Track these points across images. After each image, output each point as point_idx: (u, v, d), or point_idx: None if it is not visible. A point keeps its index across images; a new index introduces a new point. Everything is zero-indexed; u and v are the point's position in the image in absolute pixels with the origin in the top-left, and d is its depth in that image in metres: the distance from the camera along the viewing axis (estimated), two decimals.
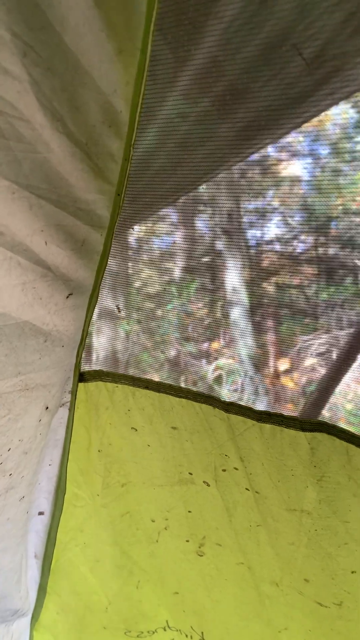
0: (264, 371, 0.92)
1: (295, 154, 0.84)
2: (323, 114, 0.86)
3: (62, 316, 0.83)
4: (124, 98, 0.61)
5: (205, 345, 0.98)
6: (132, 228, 0.96)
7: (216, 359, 0.97)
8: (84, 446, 1.06)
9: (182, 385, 1.01)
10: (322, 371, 0.89)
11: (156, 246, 0.96)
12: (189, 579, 1.10)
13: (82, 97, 0.59)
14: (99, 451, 1.06)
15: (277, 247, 0.87)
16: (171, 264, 0.95)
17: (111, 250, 0.89)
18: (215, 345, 0.97)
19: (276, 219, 0.86)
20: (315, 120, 0.84)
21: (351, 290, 0.82)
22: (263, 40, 0.83)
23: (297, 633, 1.02)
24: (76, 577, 1.19)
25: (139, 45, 0.57)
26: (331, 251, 0.83)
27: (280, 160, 0.86)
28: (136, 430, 1.00)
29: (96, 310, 0.97)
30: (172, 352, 1.01)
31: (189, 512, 1.03)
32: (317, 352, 0.88)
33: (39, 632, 1.24)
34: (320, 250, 0.84)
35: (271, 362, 0.91)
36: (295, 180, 0.83)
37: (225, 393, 0.99)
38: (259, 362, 0.93)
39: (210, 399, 0.89)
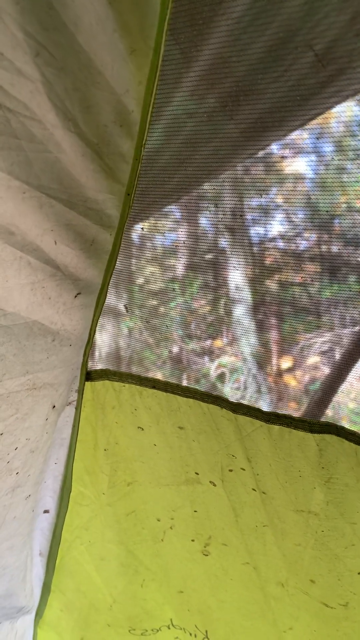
0: (266, 369, 0.92)
1: (299, 151, 0.84)
2: (327, 111, 0.86)
3: (70, 315, 0.83)
4: (136, 98, 0.61)
5: (208, 342, 0.98)
6: (136, 226, 0.95)
7: (219, 356, 0.97)
8: (90, 445, 1.06)
9: (185, 382, 1.01)
10: (325, 369, 0.88)
11: (159, 243, 0.95)
12: (194, 578, 1.10)
13: (94, 97, 0.58)
14: (105, 450, 1.06)
15: (281, 244, 0.87)
16: (174, 261, 0.95)
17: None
18: (218, 342, 0.97)
19: (279, 216, 0.86)
20: (319, 117, 0.84)
21: (354, 288, 0.81)
22: (271, 37, 0.82)
23: (302, 633, 1.02)
24: (81, 575, 1.19)
25: (152, 45, 0.57)
26: (334, 249, 0.83)
27: (284, 157, 0.85)
28: (143, 429, 1.00)
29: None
30: (175, 350, 1.00)
31: (195, 511, 1.03)
32: (320, 350, 0.87)
33: (42, 629, 1.24)
34: (324, 247, 0.84)
35: (274, 360, 0.91)
36: (299, 178, 0.83)
37: (228, 391, 0.99)
38: (261, 360, 0.93)
39: (217, 400, 0.89)
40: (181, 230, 0.95)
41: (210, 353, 0.98)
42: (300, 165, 0.83)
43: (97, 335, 1.03)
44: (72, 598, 1.22)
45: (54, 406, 0.93)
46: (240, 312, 0.93)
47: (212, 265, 0.94)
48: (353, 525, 0.85)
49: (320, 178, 0.82)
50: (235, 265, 0.92)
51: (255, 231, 0.89)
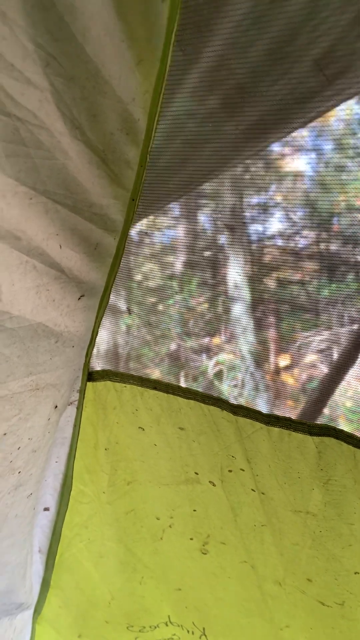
0: (264, 367, 0.93)
1: (298, 150, 0.84)
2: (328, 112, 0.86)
3: (74, 317, 0.84)
4: (142, 106, 0.62)
5: (206, 340, 0.98)
6: (136, 224, 0.96)
7: (217, 354, 0.98)
8: (91, 444, 1.07)
9: (183, 380, 1.02)
10: (323, 368, 0.89)
11: (158, 240, 0.96)
12: (192, 576, 1.12)
13: (101, 106, 0.59)
14: (105, 449, 1.07)
15: (279, 242, 0.87)
16: (173, 258, 0.96)
17: None
18: (216, 340, 0.98)
19: (278, 214, 0.87)
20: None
21: (353, 287, 0.82)
22: (272, 39, 0.83)
23: (298, 631, 1.03)
24: (80, 572, 1.20)
25: (159, 56, 0.58)
26: (333, 247, 0.83)
27: (283, 155, 0.86)
28: (143, 429, 1.01)
29: None
30: (173, 347, 1.01)
31: (194, 510, 1.04)
32: (318, 348, 0.88)
33: (41, 625, 1.25)
34: (322, 246, 0.84)
35: (272, 358, 0.92)
36: (298, 176, 0.83)
37: (226, 388, 1.00)
38: (259, 358, 0.94)
39: (218, 401, 0.90)
40: (180, 227, 0.96)
41: (208, 351, 0.99)
42: (299, 163, 0.84)
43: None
44: (71, 595, 1.23)
45: (56, 406, 0.94)
46: (238, 310, 0.94)
47: (210, 262, 0.95)
48: (350, 526, 0.87)
49: (319, 176, 0.83)
50: (233, 262, 0.93)
51: (254, 229, 0.90)
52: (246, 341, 0.94)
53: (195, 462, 0.98)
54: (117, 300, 1.04)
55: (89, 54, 0.54)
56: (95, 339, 0.96)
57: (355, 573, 0.90)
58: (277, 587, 1.02)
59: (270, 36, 0.82)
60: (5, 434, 0.83)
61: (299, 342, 0.89)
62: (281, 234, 0.87)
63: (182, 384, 1.00)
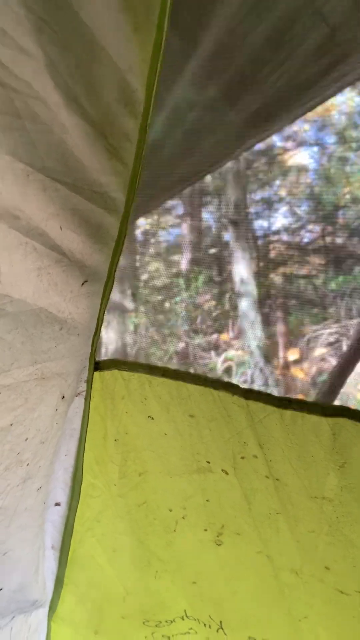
0: (273, 362, 0.92)
1: (301, 143, 0.83)
2: (329, 102, 0.85)
3: (77, 304, 0.82)
4: (140, 76, 0.60)
5: (215, 336, 0.97)
6: (140, 220, 0.95)
7: (225, 350, 0.97)
8: (100, 435, 1.05)
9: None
10: (333, 361, 0.88)
11: (163, 239, 0.95)
12: (207, 568, 1.10)
13: (97, 75, 0.57)
14: (115, 440, 1.05)
15: (285, 237, 0.87)
16: (178, 257, 0.95)
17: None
18: (224, 336, 0.97)
19: (283, 208, 0.86)
20: (320, 108, 0.84)
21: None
22: (271, 25, 0.82)
23: (317, 621, 1.01)
24: (93, 567, 1.19)
25: (156, 21, 0.56)
26: (339, 240, 0.82)
27: (286, 150, 0.85)
28: (153, 418, 1.00)
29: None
30: (181, 345, 1.00)
31: (207, 500, 1.02)
32: (327, 342, 0.87)
33: (56, 623, 1.24)
34: (328, 239, 0.84)
35: (281, 353, 0.91)
36: (301, 170, 0.83)
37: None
38: (268, 353, 0.92)
39: (228, 386, 0.88)
40: (184, 224, 0.95)
41: (217, 347, 0.98)
42: (302, 157, 0.83)
43: (102, 332, 1.03)
44: (85, 591, 1.21)
45: (64, 397, 0.92)
46: (246, 306, 0.93)
47: (216, 259, 0.94)
48: None
49: (323, 169, 0.82)
50: (239, 259, 0.92)
51: (259, 224, 0.89)
52: (255, 337, 0.93)
53: (207, 450, 0.96)
54: (123, 298, 1.03)
55: (83, 20, 0.52)
56: (100, 327, 0.94)
57: None
58: (294, 577, 1.00)
59: (269, 22, 0.81)
60: (11, 425, 0.81)
61: (307, 336, 0.88)
62: (286, 229, 0.87)
63: None
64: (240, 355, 0.95)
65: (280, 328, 0.90)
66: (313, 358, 0.89)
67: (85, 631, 1.24)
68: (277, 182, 0.87)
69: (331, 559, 0.93)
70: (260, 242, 0.90)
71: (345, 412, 0.79)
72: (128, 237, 0.94)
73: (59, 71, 0.54)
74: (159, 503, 1.08)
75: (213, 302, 0.96)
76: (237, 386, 0.88)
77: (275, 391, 0.94)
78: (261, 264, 0.90)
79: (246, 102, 0.87)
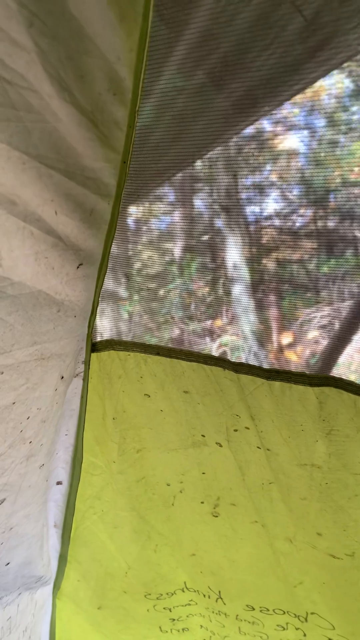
0: (267, 346, 0.94)
1: (291, 128, 0.84)
2: (318, 84, 0.86)
3: (74, 286, 0.85)
4: (128, 65, 0.63)
5: (209, 322, 1.00)
6: (130, 207, 0.96)
7: (220, 336, 0.99)
8: (99, 415, 1.09)
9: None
10: (325, 343, 0.90)
11: (155, 227, 0.97)
12: (205, 540, 1.14)
13: (87, 66, 0.60)
14: (113, 419, 1.09)
15: (276, 222, 0.88)
16: (171, 244, 0.97)
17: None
18: (218, 322, 0.99)
19: (274, 193, 0.87)
20: (310, 91, 0.85)
21: (352, 262, 0.82)
22: (255, 8, 0.83)
23: (312, 586, 1.05)
24: (95, 544, 1.22)
25: (141, 11, 0.59)
26: (330, 224, 0.83)
27: (276, 135, 0.86)
28: (149, 396, 1.03)
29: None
30: (176, 331, 1.02)
31: (203, 474, 1.06)
32: (320, 324, 0.89)
33: (61, 600, 1.27)
34: (320, 223, 0.85)
35: (274, 337, 0.93)
36: (292, 154, 0.83)
37: None
38: (262, 338, 0.95)
39: (220, 361, 0.92)
40: (176, 212, 0.96)
41: (211, 333, 1.00)
42: (292, 141, 0.84)
43: (97, 320, 1.06)
44: (88, 567, 1.25)
45: (62, 377, 0.96)
46: (239, 291, 0.95)
47: (208, 246, 0.96)
48: (356, 476, 0.88)
49: (313, 153, 0.83)
50: (231, 244, 0.93)
51: (251, 210, 0.90)
52: (248, 321, 0.95)
53: (202, 425, 1.00)
54: (117, 286, 1.05)
55: (71, 12, 0.56)
56: (96, 309, 0.97)
57: None
58: (288, 545, 1.04)
59: (254, 5, 0.82)
60: (14, 403, 0.85)
61: (300, 320, 0.90)
62: (278, 214, 0.87)
63: None
64: (235, 340, 0.98)
65: (273, 312, 0.92)
66: (306, 341, 0.91)
67: (89, 607, 1.28)
68: (268, 167, 0.88)
69: (322, 525, 0.97)
70: (252, 227, 0.91)
71: (330, 381, 0.83)
72: (120, 225, 0.96)
73: (51, 62, 0.57)
74: (157, 478, 1.12)
75: (206, 289, 0.98)
76: (227, 360, 0.92)
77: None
78: (253, 249, 0.91)
79: (233, 87, 0.89)
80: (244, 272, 0.93)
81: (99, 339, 1.07)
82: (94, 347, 1.03)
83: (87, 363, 1.02)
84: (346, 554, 0.98)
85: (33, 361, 0.85)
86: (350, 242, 0.82)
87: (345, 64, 0.85)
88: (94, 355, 1.03)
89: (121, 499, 1.17)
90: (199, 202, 0.94)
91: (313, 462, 0.91)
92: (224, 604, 1.19)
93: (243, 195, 0.91)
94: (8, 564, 1.04)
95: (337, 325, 0.88)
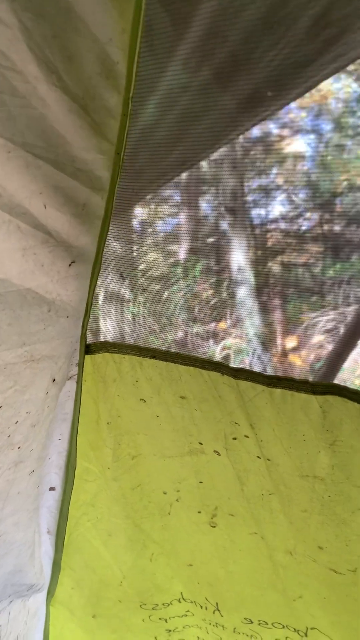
0: (271, 350, 0.92)
1: (298, 131, 0.83)
2: (325, 88, 0.84)
3: (66, 285, 0.81)
4: (121, 47, 0.59)
5: (213, 325, 0.97)
6: (135, 209, 0.94)
7: (223, 338, 0.97)
8: (93, 419, 1.05)
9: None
10: (330, 348, 0.88)
11: (160, 228, 0.95)
12: (202, 550, 1.10)
13: (76, 46, 0.56)
14: (108, 424, 1.05)
15: (282, 225, 0.86)
16: (176, 246, 0.95)
17: (115, 234, 0.87)
18: (222, 325, 0.96)
19: (280, 196, 0.86)
20: (317, 95, 0.83)
21: (358, 266, 0.81)
22: (263, 3, 0.80)
23: (312, 601, 1.02)
24: (90, 551, 1.19)
25: None
26: (337, 228, 0.82)
27: (282, 137, 0.85)
28: (145, 401, 0.99)
29: (102, 294, 0.96)
30: (180, 333, 1.00)
31: (200, 482, 1.02)
32: (325, 329, 0.87)
33: (55, 607, 1.24)
34: (326, 227, 0.83)
35: (279, 341, 0.91)
36: (298, 157, 0.82)
37: None
38: (266, 341, 0.92)
39: (218, 366, 0.88)
40: (182, 214, 0.94)
41: (215, 336, 0.98)
42: (299, 144, 0.82)
43: (101, 322, 1.03)
44: (83, 575, 1.22)
45: (54, 379, 0.92)
46: (244, 294, 0.93)
47: (214, 248, 0.94)
48: (359, 489, 0.84)
49: (320, 157, 0.82)
50: (237, 247, 0.91)
51: (257, 213, 0.89)
52: (252, 325, 0.93)
53: (199, 432, 0.96)
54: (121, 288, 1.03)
55: None
56: (90, 309, 0.93)
57: None
58: (288, 557, 1.00)
59: (262, 1, 0.80)
60: (0, 407, 0.81)
61: (305, 324, 0.88)
62: (284, 217, 0.86)
63: None
64: (238, 343, 0.95)
65: (277, 316, 0.90)
66: (311, 345, 0.89)
67: (83, 615, 1.25)
68: (274, 170, 0.86)
69: (324, 538, 0.93)
70: (257, 230, 0.89)
71: (335, 389, 0.79)
72: (125, 226, 0.93)
73: (36, 41, 0.53)
74: (153, 486, 1.08)
75: (211, 291, 0.96)
76: (226, 365, 0.88)
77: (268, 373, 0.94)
78: (259, 252, 0.90)
79: (240, 84, 0.86)
80: (249, 275, 0.91)
81: (102, 339, 1.04)
82: (88, 349, 0.99)
83: (80, 365, 0.98)
84: (348, 569, 0.94)
85: (22, 363, 0.81)
86: (356, 246, 0.81)
87: (352, 68, 0.83)
88: (88, 358, 0.99)
89: (116, 506, 1.13)
90: (204, 204, 0.93)
91: (315, 474, 0.87)
92: (222, 616, 1.15)
93: (249, 198, 0.90)
94: None
95: (342, 330, 0.86)
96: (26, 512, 1.00)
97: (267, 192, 0.86)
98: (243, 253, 0.91)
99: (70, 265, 0.80)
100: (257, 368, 0.93)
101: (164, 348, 1.01)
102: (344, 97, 0.78)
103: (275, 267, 0.88)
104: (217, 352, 0.97)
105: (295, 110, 0.84)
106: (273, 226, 0.87)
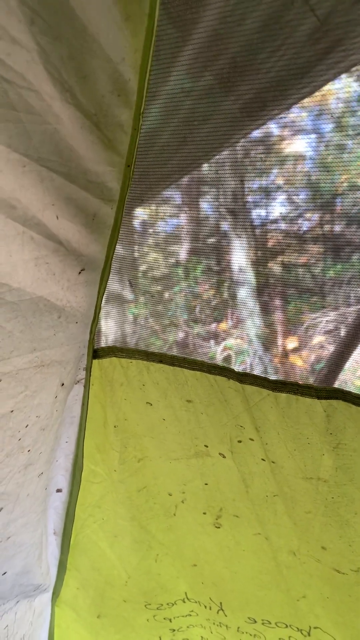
0: (272, 350, 0.93)
1: (298, 131, 0.83)
2: (326, 88, 0.85)
3: (75, 292, 0.83)
4: (132, 66, 0.61)
5: (214, 326, 0.98)
6: (136, 211, 0.95)
7: (224, 339, 0.98)
8: (100, 422, 1.07)
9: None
10: (331, 348, 0.89)
11: (161, 229, 0.95)
12: (206, 551, 1.12)
13: (91, 66, 0.58)
14: (115, 427, 1.07)
15: (283, 226, 0.87)
16: (177, 247, 0.95)
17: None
18: (223, 325, 0.97)
19: (281, 197, 0.86)
20: (318, 95, 0.84)
21: (358, 267, 0.81)
22: (265, 9, 0.81)
23: (315, 600, 1.03)
24: (95, 552, 1.20)
25: (147, 10, 0.57)
26: (337, 228, 0.82)
27: (283, 138, 0.85)
28: (151, 404, 1.01)
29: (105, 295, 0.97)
30: (181, 334, 1.01)
31: (206, 484, 1.04)
32: (325, 329, 0.88)
33: (60, 607, 1.26)
34: (326, 227, 0.84)
35: (279, 341, 0.92)
36: (299, 158, 0.83)
37: None
38: (267, 342, 0.93)
39: (224, 371, 0.90)
40: (183, 214, 0.95)
41: (216, 336, 0.99)
42: (300, 145, 0.83)
43: (102, 322, 1.04)
44: (88, 576, 1.23)
45: (63, 384, 0.94)
46: (244, 295, 0.93)
47: (214, 248, 0.94)
48: None
49: (320, 157, 0.82)
50: (237, 248, 0.92)
51: (257, 213, 0.89)
52: (253, 325, 0.94)
53: (205, 435, 0.98)
54: (119, 286, 1.04)
55: (74, 10, 0.53)
56: (98, 315, 0.95)
57: None
58: (291, 558, 1.02)
59: (264, 6, 0.81)
60: (12, 411, 0.83)
61: (306, 324, 0.89)
62: (284, 218, 0.87)
63: None
64: (239, 343, 0.96)
65: (278, 316, 0.91)
66: (312, 346, 0.90)
67: (88, 615, 1.26)
68: (275, 171, 0.87)
69: (327, 539, 0.95)
70: (258, 231, 0.90)
71: (339, 393, 0.80)
72: (126, 227, 0.95)
73: (52, 62, 0.55)
74: (158, 488, 1.10)
75: (212, 292, 0.97)
76: (232, 370, 0.89)
77: (273, 378, 0.95)
78: (259, 252, 0.90)
79: (242, 89, 0.87)
80: (250, 276, 0.91)
81: (103, 339, 1.05)
82: (96, 353, 1.00)
83: (88, 370, 1.00)
84: (351, 569, 0.95)
85: (32, 368, 0.83)
86: (356, 247, 0.81)
87: (354, 68, 0.84)
88: (95, 362, 1.01)
89: (121, 507, 1.15)
90: (205, 205, 0.93)
91: (319, 476, 0.88)
92: (225, 615, 1.17)
93: (249, 199, 0.90)
94: (5, 573, 1.02)
95: (343, 331, 0.87)
96: (35, 514, 1.02)
97: (267, 192, 0.87)
98: (244, 253, 0.91)
99: (80, 273, 0.81)
100: (257, 369, 0.95)
101: (165, 349, 1.02)
102: (345, 97, 0.78)
103: (275, 267, 0.88)
104: (218, 352, 0.98)
105: (296, 111, 0.84)
106: (273, 227, 0.88)
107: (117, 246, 0.88)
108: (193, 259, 0.96)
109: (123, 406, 1.04)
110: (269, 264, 0.90)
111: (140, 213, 0.96)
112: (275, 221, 0.87)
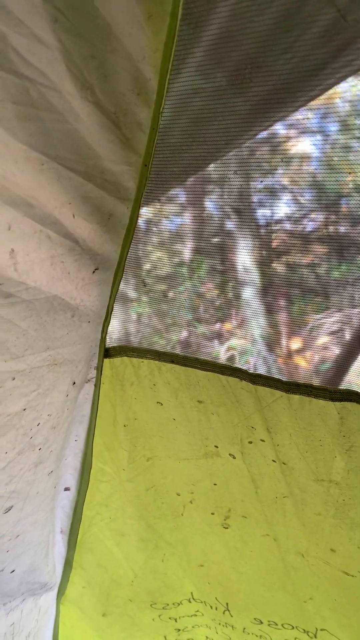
0: (276, 351, 0.93)
1: (304, 131, 0.83)
2: (332, 89, 0.85)
3: (89, 291, 0.83)
4: (153, 65, 0.61)
5: (218, 325, 0.98)
6: (141, 209, 0.95)
7: (228, 339, 0.98)
8: (110, 421, 1.07)
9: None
10: (335, 350, 0.89)
11: (166, 228, 0.95)
12: (214, 551, 1.12)
13: (112, 65, 0.58)
14: (124, 426, 1.07)
15: (288, 226, 0.87)
16: (181, 245, 0.95)
17: None
18: (227, 325, 0.97)
19: (286, 197, 0.86)
20: (324, 96, 0.83)
21: None
22: (278, 7, 0.81)
23: (322, 602, 1.03)
24: (102, 551, 1.20)
25: (169, 9, 0.56)
26: (342, 229, 0.82)
27: (289, 138, 0.85)
28: (162, 404, 1.01)
29: None
30: (184, 334, 1.01)
31: (215, 484, 1.04)
32: (330, 330, 0.88)
33: (65, 605, 1.26)
34: (331, 228, 0.84)
35: (284, 342, 0.91)
36: (304, 158, 0.82)
37: None
38: (271, 342, 0.93)
39: (237, 372, 0.90)
40: (187, 213, 0.95)
41: (220, 336, 0.99)
42: (305, 145, 0.83)
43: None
44: (94, 574, 1.23)
45: (74, 382, 0.94)
46: (249, 294, 0.93)
47: (219, 248, 0.94)
48: None
49: (326, 157, 0.82)
50: (242, 247, 0.92)
51: (262, 213, 0.89)
52: (257, 325, 0.93)
53: (215, 435, 0.98)
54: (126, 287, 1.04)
55: (97, 8, 0.53)
56: (110, 314, 0.95)
57: None
58: (300, 559, 1.02)
59: (277, 4, 0.80)
60: (24, 410, 0.83)
61: (310, 325, 0.89)
62: (289, 218, 0.87)
63: None
64: (243, 343, 0.96)
65: (283, 317, 0.90)
66: (316, 346, 0.90)
67: (93, 613, 1.26)
68: (280, 171, 0.87)
69: (337, 541, 0.94)
70: (263, 230, 0.90)
71: (353, 396, 0.80)
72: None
73: (74, 60, 0.55)
74: (167, 487, 1.10)
75: (216, 291, 0.96)
76: (245, 371, 0.89)
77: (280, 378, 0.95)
78: (264, 252, 0.90)
79: (253, 89, 0.87)
80: (254, 275, 0.91)
81: (108, 338, 1.05)
82: (107, 352, 1.00)
83: (99, 369, 1.00)
84: None
85: (45, 367, 0.83)
86: None
87: None
88: (106, 361, 1.01)
89: (129, 506, 1.15)
90: (210, 204, 0.93)
91: (330, 478, 0.88)
92: (231, 616, 1.17)
93: (254, 198, 0.90)
94: (13, 571, 1.02)
95: (347, 332, 0.87)
96: (44, 512, 1.02)
97: (272, 192, 0.87)
98: (248, 253, 0.91)
99: (94, 272, 0.81)
100: (262, 369, 0.94)
101: (169, 347, 1.02)
102: (351, 97, 0.78)
103: (280, 267, 0.88)
104: (222, 352, 0.98)
105: (302, 111, 0.84)
106: (278, 227, 0.88)
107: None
108: (198, 258, 0.96)
109: (133, 405, 1.04)
110: (273, 264, 0.90)
111: (145, 211, 0.96)
112: (280, 221, 0.87)
